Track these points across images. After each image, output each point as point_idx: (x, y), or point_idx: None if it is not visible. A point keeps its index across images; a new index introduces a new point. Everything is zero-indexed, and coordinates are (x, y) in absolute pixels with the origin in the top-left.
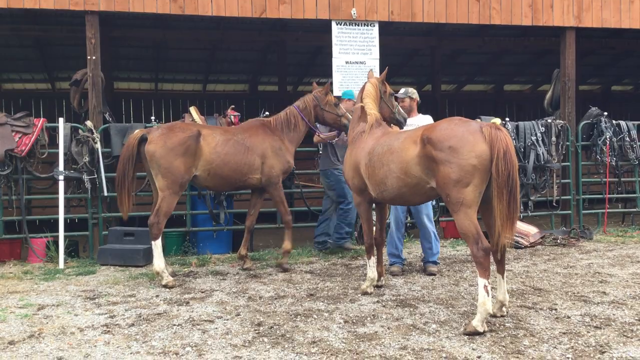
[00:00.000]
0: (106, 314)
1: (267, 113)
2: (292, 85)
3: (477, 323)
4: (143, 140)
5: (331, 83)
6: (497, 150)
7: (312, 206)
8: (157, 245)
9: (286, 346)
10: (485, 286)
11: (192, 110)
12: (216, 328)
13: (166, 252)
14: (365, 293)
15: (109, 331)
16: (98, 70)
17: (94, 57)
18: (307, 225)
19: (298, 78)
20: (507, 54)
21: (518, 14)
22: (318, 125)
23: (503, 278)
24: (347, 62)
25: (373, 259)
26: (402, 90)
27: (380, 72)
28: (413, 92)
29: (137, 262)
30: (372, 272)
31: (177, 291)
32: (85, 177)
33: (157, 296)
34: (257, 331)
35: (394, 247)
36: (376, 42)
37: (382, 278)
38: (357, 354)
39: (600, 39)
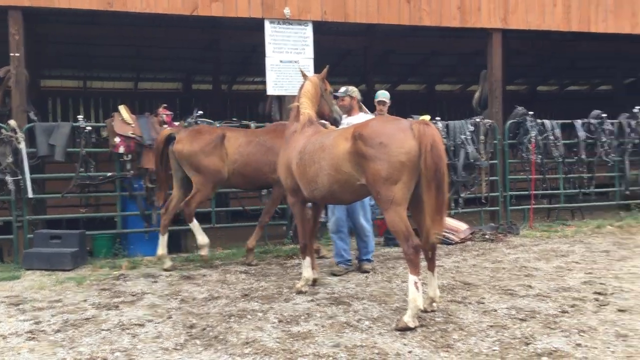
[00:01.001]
0: (31, 320)
1: (200, 112)
2: (226, 84)
3: (408, 319)
4: (171, 139)
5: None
6: (425, 144)
7: (248, 206)
8: (194, 225)
9: (219, 348)
10: (415, 283)
11: (122, 108)
12: (147, 332)
13: (95, 255)
14: (300, 292)
15: (33, 338)
16: (22, 67)
17: (17, 54)
18: (243, 225)
19: (233, 77)
20: (437, 54)
21: (447, 16)
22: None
23: (434, 275)
24: (281, 61)
25: (308, 259)
26: (343, 89)
27: (315, 71)
28: (353, 90)
29: (64, 266)
30: (307, 271)
31: (106, 295)
32: (9, 179)
33: (84, 301)
34: (189, 334)
35: (336, 248)
36: (310, 41)
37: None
38: (290, 353)
39: (526, 41)
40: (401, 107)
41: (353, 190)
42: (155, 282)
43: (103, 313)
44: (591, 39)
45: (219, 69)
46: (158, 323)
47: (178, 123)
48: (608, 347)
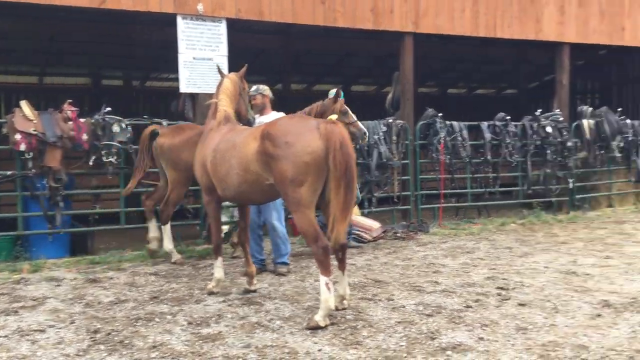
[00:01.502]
0: None
1: (109, 109)
2: (139, 81)
3: (319, 318)
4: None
5: (339, 91)
6: (334, 143)
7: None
8: (167, 229)
9: (124, 353)
10: (327, 283)
11: (24, 104)
12: (48, 338)
13: None
14: (211, 293)
15: None
16: None
17: None
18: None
19: (145, 73)
20: (353, 55)
21: (361, 18)
22: None
23: (344, 274)
24: (194, 58)
25: (220, 259)
26: (254, 88)
27: (229, 70)
28: (265, 89)
29: None
30: (218, 272)
31: (4, 300)
32: None
33: None
34: (93, 339)
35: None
36: (224, 38)
37: (254, 280)
38: (199, 355)
39: (437, 45)
40: None
41: (262, 191)
42: (59, 285)
43: (1, 319)
44: (498, 44)
45: (131, 65)
46: (60, 328)
47: (84, 120)
48: (508, 340)
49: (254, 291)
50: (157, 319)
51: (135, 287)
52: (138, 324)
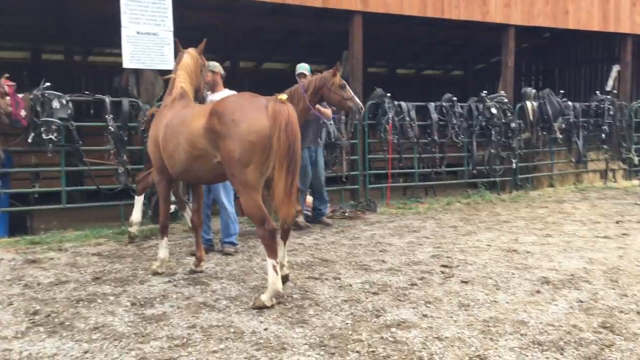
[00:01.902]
0: None
1: (48, 84)
2: (81, 55)
3: (265, 298)
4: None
5: (339, 65)
6: (279, 122)
7: (103, 185)
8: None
9: (64, 334)
10: (274, 266)
11: None
12: None
13: None
14: (155, 273)
15: None
16: None
17: None
18: (98, 205)
19: (87, 48)
20: (301, 34)
21: None
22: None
23: (284, 245)
24: (138, 33)
25: (165, 240)
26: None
27: (175, 46)
28: (215, 65)
29: None
30: (163, 252)
31: None
32: None
33: None
34: (32, 321)
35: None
36: (169, 13)
37: (202, 263)
38: (142, 336)
39: (386, 24)
40: (269, 86)
41: (211, 169)
42: None
43: None
44: (446, 26)
45: (71, 39)
46: None
47: (23, 95)
48: (451, 317)
49: (201, 271)
50: (99, 300)
51: (76, 267)
52: (79, 305)
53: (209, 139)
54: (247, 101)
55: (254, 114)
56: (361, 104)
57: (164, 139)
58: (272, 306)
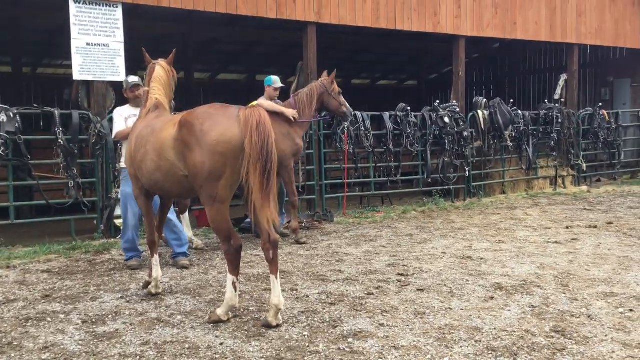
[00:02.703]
0: None
1: None
2: (30, 67)
3: (221, 312)
4: None
5: (327, 74)
6: (251, 124)
7: (53, 199)
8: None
9: (13, 355)
10: (234, 283)
11: None
12: None
13: None
14: (150, 294)
15: None
16: None
17: None
18: (48, 220)
19: (36, 59)
20: (257, 44)
21: (264, 7)
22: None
23: (277, 278)
24: (88, 44)
25: (156, 257)
26: (135, 78)
27: (127, 58)
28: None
29: None
30: (155, 271)
31: None
32: None
33: None
34: None
35: (129, 242)
36: (120, 24)
37: (158, 284)
38: (94, 355)
39: (340, 35)
40: (225, 97)
41: (178, 182)
42: None
43: None
44: (399, 37)
45: (20, 50)
46: None
47: None
48: (407, 325)
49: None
50: (49, 319)
51: (25, 285)
52: (28, 324)
53: (177, 151)
54: (218, 111)
55: (225, 123)
56: (351, 109)
57: (134, 149)
58: (228, 320)
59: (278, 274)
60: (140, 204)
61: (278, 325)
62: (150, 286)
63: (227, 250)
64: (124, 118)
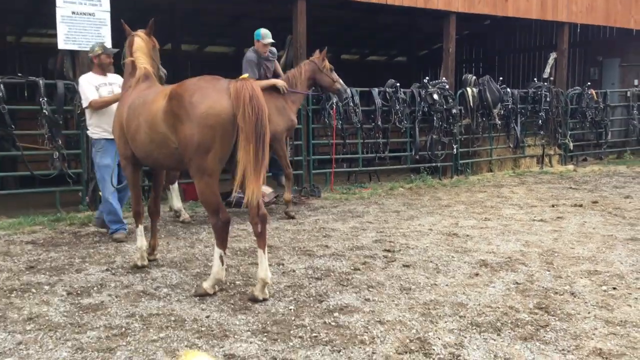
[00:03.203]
0: None
1: None
2: (14, 36)
3: (207, 286)
4: None
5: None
6: (243, 97)
7: (37, 170)
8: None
9: None
10: (221, 256)
11: None
12: None
13: None
14: (136, 266)
15: None
16: None
17: None
18: (32, 192)
19: (21, 28)
20: (245, 17)
21: None
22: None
23: (264, 252)
24: (73, 13)
25: (141, 227)
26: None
27: (112, 27)
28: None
29: None
30: (140, 240)
31: None
32: None
33: None
34: None
35: (112, 213)
36: None
37: (155, 251)
38: (79, 326)
39: (330, 9)
40: (212, 70)
41: (170, 154)
42: None
43: None
44: (389, 12)
45: (4, 19)
46: None
47: None
48: (393, 300)
49: (154, 260)
50: (33, 290)
51: (9, 256)
52: (12, 295)
53: (168, 123)
54: (209, 83)
55: (215, 96)
56: (345, 86)
57: (127, 120)
58: (215, 294)
59: (266, 248)
60: (127, 173)
61: (265, 299)
62: (135, 258)
63: (215, 223)
64: (94, 86)
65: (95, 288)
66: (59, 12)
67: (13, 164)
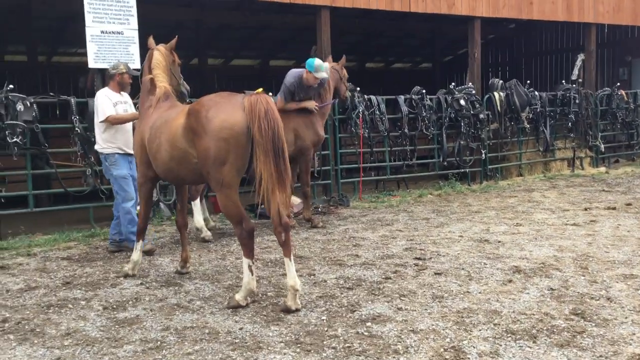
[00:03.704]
0: None
1: (11, 86)
2: (45, 56)
3: (239, 297)
4: None
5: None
6: (258, 112)
7: (71, 187)
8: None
9: (36, 341)
10: (249, 266)
11: None
12: None
13: None
14: (127, 275)
15: None
16: None
17: None
18: (66, 208)
19: (51, 47)
20: (269, 29)
21: None
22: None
23: (291, 261)
24: (102, 32)
25: (141, 243)
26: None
27: (140, 44)
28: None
29: None
30: (136, 255)
31: None
32: None
33: None
34: (1, 328)
35: (135, 223)
36: (134, 11)
37: (187, 264)
38: (115, 340)
39: (354, 19)
40: (238, 83)
41: (192, 169)
42: None
43: None
44: (413, 19)
45: (35, 39)
46: None
47: None
48: (425, 309)
49: (186, 273)
50: (70, 305)
51: (46, 272)
52: (50, 311)
53: (187, 139)
54: (224, 99)
55: (229, 110)
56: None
57: (149, 139)
58: (247, 305)
59: (292, 256)
60: (143, 190)
61: (297, 310)
62: (127, 267)
63: (239, 234)
64: (112, 103)
65: (130, 302)
66: (89, 32)
67: (47, 181)
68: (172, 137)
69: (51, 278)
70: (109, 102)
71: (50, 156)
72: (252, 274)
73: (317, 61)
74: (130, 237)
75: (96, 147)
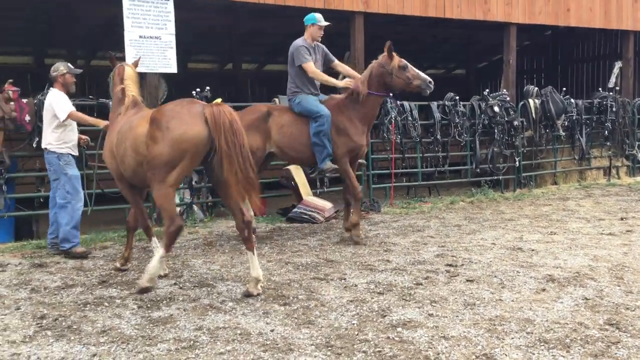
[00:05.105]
0: None
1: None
2: (84, 60)
3: (142, 281)
4: None
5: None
6: (223, 124)
7: (108, 188)
8: None
9: (72, 338)
10: (162, 257)
11: None
12: None
13: None
14: (117, 269)
15: None
16: None
17: None
18: (103, 209)
19: (91, 51)
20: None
21: None
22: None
23: (254, 254)
24: (141, 37)
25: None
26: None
27: (178, 48)
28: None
29: None
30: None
31: None
32: None
33: None
34: (39, 325)
35: (77, 227)
36: (171, 17)
37: (128, 264)
38: (150, 339)
39: (388, 25)
40: (271, 87)
41: None
42: (3, 271)
43: None
44: (447, 25)
45: (75, 43)
46: (4, 315)
47: (27, 100)
48: (457, 316)
49: (125, 270)
50: (106, 304)
51: (83, 271)
52: (86, 308)
53: (147, 144)
54: (184, 108)
55: (190, 121)
56: (428, 77)
57: (116, 144)
58: (258, 295)
59: (255, 250)
60: (125, 195)
61: (258, 294)
62: (119, 263)
63: (168, 226)
64: (68, 100)
65: (164, 301)
66: (127, 36)
67: (84, 182)
68: (135, 143)
69: (88, 277)
70: (66, 99)
71: (88, 157)
72: (161, 264)
73: (315, 13)
74: (70, 239)
75: (47, 146)
